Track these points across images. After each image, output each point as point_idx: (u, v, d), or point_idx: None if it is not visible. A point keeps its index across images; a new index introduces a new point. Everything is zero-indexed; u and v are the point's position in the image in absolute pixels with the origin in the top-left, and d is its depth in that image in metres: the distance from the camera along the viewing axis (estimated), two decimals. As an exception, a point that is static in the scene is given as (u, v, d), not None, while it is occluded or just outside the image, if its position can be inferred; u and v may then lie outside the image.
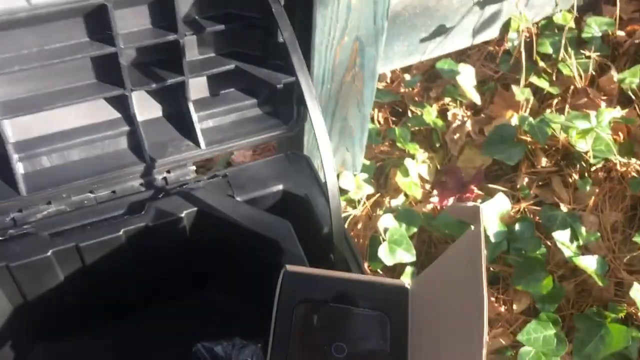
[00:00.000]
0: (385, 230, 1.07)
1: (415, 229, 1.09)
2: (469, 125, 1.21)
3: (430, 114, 1.18)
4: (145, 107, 0.71)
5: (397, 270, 1.13)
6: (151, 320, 0.79)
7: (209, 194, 0.70)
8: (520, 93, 1.08)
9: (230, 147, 0.73)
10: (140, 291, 0.76)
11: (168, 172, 0.72)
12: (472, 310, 0.47)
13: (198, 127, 0.72)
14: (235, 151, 1.25)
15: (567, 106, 1.15)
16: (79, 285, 0.70)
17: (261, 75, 0.70)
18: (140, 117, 0.70)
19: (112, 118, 0.70)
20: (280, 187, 0.73)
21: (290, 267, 0.61)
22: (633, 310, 0.98)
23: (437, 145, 1.21)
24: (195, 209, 0.69)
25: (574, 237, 1.00)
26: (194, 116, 0.71)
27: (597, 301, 1.02)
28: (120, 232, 0.66)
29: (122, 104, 0.69)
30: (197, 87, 0.72)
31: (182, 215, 0.68)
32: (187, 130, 0.72)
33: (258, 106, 0.75)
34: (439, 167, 1.19)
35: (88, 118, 0.69)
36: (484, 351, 0.43)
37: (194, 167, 0.74)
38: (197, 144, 0.72)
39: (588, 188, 1.06)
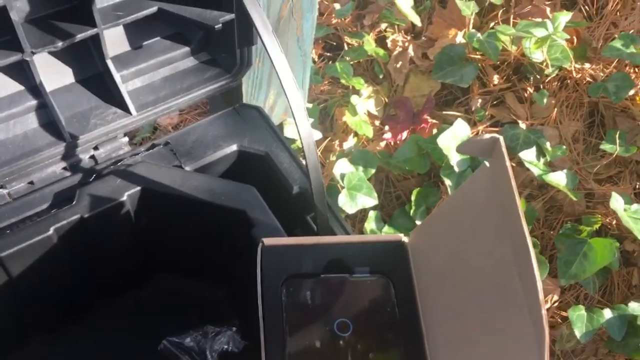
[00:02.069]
0: (342, 176, 0.99)
1: (373, 171, 1.01)
2: (411, 51, 1.12)
3: (370, 43, 1.08)
4: (54, 73, 0.57)
5: (358, 217, 1.06)
6: (104, 320, 0.68)
7: (152, 168, 0.58)
8: (466, 8, 1.00)
9: (167, 108, 0.61)
10: (83, 292, 0.64)
11: (95, 148, 0.59)
12: (509, 258, 0.39)
13: (124, 89, 0.59)
14: (161, 113, 1.11)
15: (511, 17, 1.08)
16: (7, 300, 0.57)
17: (192, 16, 0.57)
18: (49, 86, 0.57)
19: (13, 92, 0.56)
20: (234, 147, 0.62)
21: (267, 240, 0.51)
22: (608, 221, 0.95)
23: (381, 76, 1.12)
24: (138, 188, 0.57)
25: (540, 154, 0.96)
26: (117, 76, 0.58)
27: (569, 216, 0.98)
28: (50, 231, 0.53)
29: (23, 73, 0.55)
30: (114, 40, 0.58)
31: (124, 198, 0.56)
32: (110, 95, 0.59)
33: (192, 55, 0.63)
34: (386, 100, 1.10)
35: (-19, 96, 0.54)
36: (544, 311, 0.35)
37: (126, 139, 0.61)
38: (126, 110, 0.59)
39: (545, 100, 1.01)
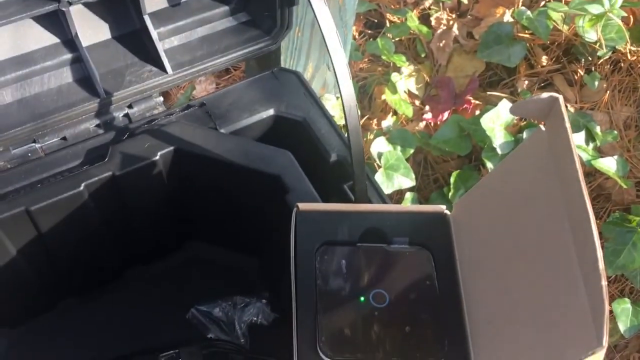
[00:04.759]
0: (380, 155, 0.96)
1: (411, 151, 0.98)
2: (455, 30, 1.08)
3: (413, 19, 1.04)
4: (90, 27, 0.56)
5: (394, 198, 1.03)
6: (133, 286, 0.67)
7: (186, 128, 0.56)
8: (515, -16, 0.96)
9: (203, 68, 0.59)
10: (113, 255, 0.63)
11: (130, 106, 0.58)
12: (564, 228, 0.36)
13: (160, 47, 0.57)
14: (197, 85, 1.10)
15: (563, -5, 1.03)
16: (37, 258, 0.57)
17: (232, -28, 0.55)
18: (85, 40, 0.55)
19: (48, 44, 0.54)
20: (270, 111, 0.60)
21: (302, 206, 0.49)
22: (659, 211, 0.90)
23: (423, 55, 1.09)
24: (172, 148, 0.55)
25: (590, 138, 0.91)
26: (154, 33, 0.57)
27: (617, 205, 0.94)
28: (81, 187, 0.52)
29: (58, 25, 0.53)
30: (153, -5, 0.57)
31: (156, 157, 0.54)
32: (147, 52, 0.57)
33: (231, 15, 0.60)
34: (428, 79, 1.07)
35: (17, 47, 0.53)
36: (604, 282, 0.32)
37: (161, 99, 0.59)
38: (162, 69, 0.57)
39: (597, 83, 0.96)
